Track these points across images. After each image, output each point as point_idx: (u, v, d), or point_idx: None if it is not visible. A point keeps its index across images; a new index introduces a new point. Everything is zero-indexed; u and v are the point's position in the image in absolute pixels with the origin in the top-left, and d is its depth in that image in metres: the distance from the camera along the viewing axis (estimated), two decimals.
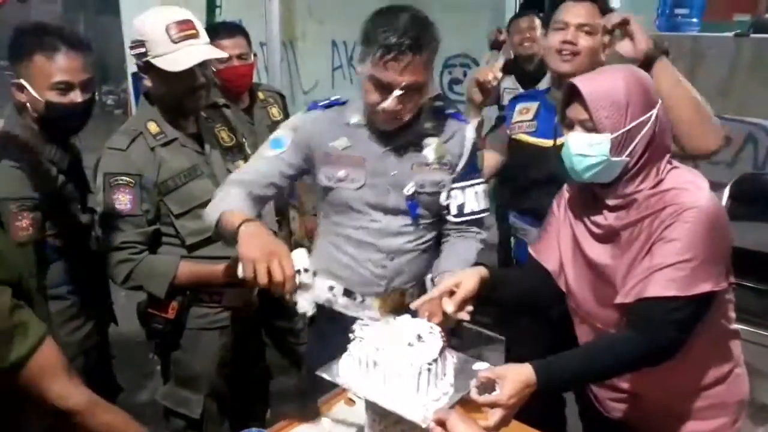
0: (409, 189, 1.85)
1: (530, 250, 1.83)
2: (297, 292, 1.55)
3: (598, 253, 1.60)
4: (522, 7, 4.31)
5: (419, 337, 1.42)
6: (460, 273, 1.63)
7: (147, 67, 1.99)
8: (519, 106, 2.34)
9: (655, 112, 1.49)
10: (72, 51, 1.90)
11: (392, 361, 1.35)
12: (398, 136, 1.84)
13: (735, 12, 4.11)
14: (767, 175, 3.50)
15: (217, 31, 2.69)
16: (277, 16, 4.60)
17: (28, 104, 1.91)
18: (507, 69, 3.91)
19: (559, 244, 1.72)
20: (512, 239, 2.48)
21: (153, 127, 2.05)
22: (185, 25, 1.96)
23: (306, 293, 1.54)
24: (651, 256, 1.48)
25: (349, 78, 5.40)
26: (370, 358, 1.38)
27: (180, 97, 2.02)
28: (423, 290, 1.98)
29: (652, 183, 1.51)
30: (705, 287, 1.44)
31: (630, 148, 1.48)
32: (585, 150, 1.50)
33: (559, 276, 1.73)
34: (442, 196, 1.91)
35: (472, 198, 1.94)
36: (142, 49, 1.97)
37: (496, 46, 4.12)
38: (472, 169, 1.95)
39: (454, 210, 1.94)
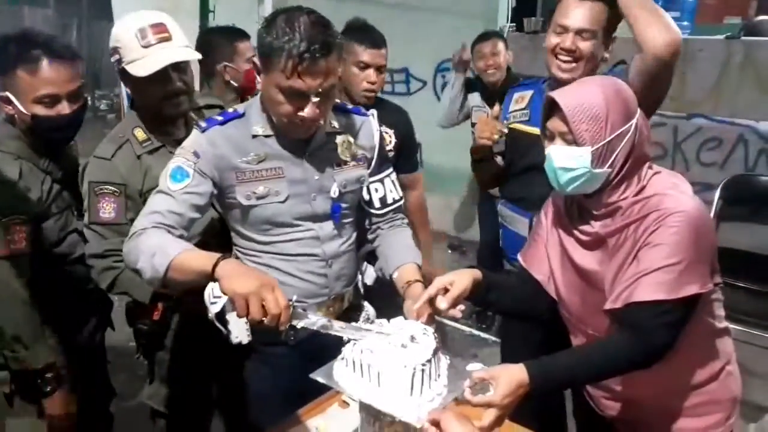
0: (335, 191, 1.81)
1: (519, 259, 1.85)
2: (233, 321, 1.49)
3: (586, 260, 1.63)
4: (514, 12, 4.32)
5: (412, 338, 1.42)
6: (453, 272, 1.64)
7: (123, 75, 1.94)
8: (515, 95, 2.35)
9: (634, 122, 1.51)
10: (57, 61, 1.86)
11: (386, 362, 1.35)
12: (310, 140, 1.78)
13: (726, 15, 4.13)
14: (758, 176, 3.51)
15: (236, 33, 2.79)
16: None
17: (16, 116, 1.89)
18: (470, 86, 3.92)
19: (547, 253, 1.75)
20: (500, 229, 2.48)
21: (140, 134, 2.00)
22: (157, 28, 1.90)
23: (298, 320, 1.46)
24: (637, 261, 1.50)
25: None
26: (364, 361, 1.38)
27: (157, 104, 1.95)
28: (357, 294, 2.01)
29: (634, 190, 1.54)
30: (692, 289, 1.46)
31: (611, 160, 1.50)
32: (567, 163, 1.52)
33: (548, 284, 1.75)
34: (363, 192, 1.92)
35: (391, 188, 1.96)
36: (117, 56, 1.93)
37: (461, 64, 3.91)
38: (384, 160, 1.96)
39: (377, 203, 1.94)
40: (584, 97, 1.50)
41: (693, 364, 1.62)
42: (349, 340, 1.44)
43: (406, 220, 2.02)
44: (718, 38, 3.48)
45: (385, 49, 2.60)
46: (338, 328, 1.45)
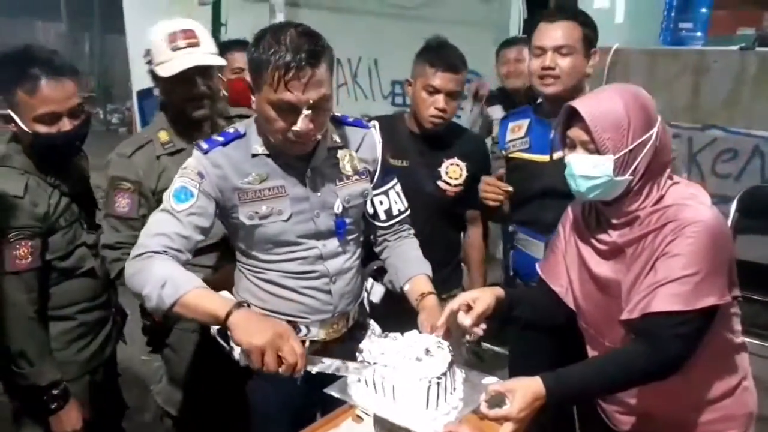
0: (338, 207, 1.78)
1: (538, 270, 1.85)
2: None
3: (604, 269, 1.61)
4: (525, 23, 4.32)
5: (427, 352, 1.41)
6: (476, 290, 1.65)
7: (153, 76, 2.04)
8: (510, 125, 2.36)
9: (655, 129, 1.50)
10: (55, 80, 1.86)
11: (401, 376, 1.34)
12: (311, 156, 1.75)
13: (739, 26, 4.12)
14: None
15: (231, 45, 2.79)
16: None
17: (19, 134, 1.91)
18: (490, 100, 3.83)
19: (566, 263, 1.74)
20: (510, 251, 2.45)
21: (163, 136, 2.07)
22: (186, 33, 1.99)
23: (312, 366, 1.45)
24: (655, 272, 1.48)
25: (354, 95, 5.41)
26: (378, 374, 1.37)
27: (181, 105, 2.03)
28: (363, 311, 1.98)
29: (653, 200, 1.53)
30: (709, 301, 1.44)
31: (633, 167, 1.50)
32: (588, 171, 1.51)
33: (566, 296, 1.74)
34: (367, 206, 1.89)
35: (396, 199, 1.93)
36: (149, 58, 2.02)
37: (477, 97, 3.95)
38: (386, 172, 1.92)
39: (383, 215, 1.91)
40: (605, 105, 1.49)
41: (708, 379, 1.60)
42: (363, 363, 1.42)
43: (412, 231, 1.99)
44: (732, 49, 3.46)
45: (462, 73, 2.38)
46: (353, 369, 1.43)
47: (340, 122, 1.86)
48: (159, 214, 1.67)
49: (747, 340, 1.68)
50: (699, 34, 3.61)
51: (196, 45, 2.00)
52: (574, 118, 1.53)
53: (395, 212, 1.92)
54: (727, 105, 3.41)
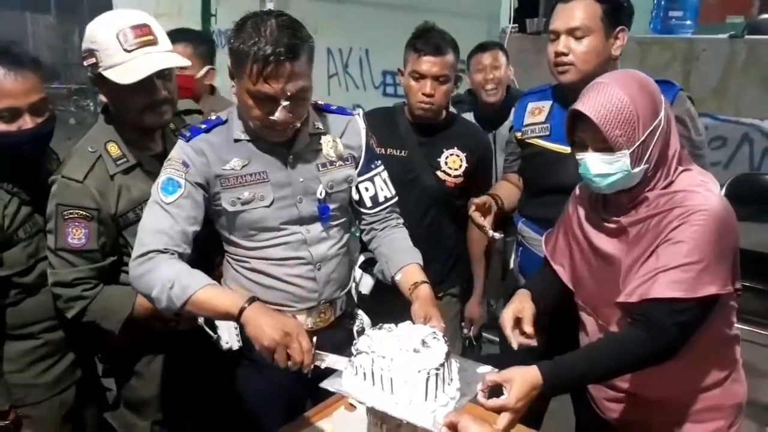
0: (321, 192, 1.79)
1: (544, 250, 1.84)
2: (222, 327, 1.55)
3: (607, 247, 1.61)
4: (517, 13, 4.29)
5: (424, 343, 1.42)
6: (515, 300, 1.71)
7: (100, 81, 1.77)
8: (530, 106, 2.19)
9: (662, 114, 1.50)
10: (15, 71, 1.68)
11: (399, 368, 1.35)
12: (293, 142, 1.77)
13: (728, 14, 4.12)
14: (764, 175, 3.49)
15: (172, 36, 2.52)
16: None
17: None
18: (458, 105, 3.29)
19: (568, 240, 1.74)
20: (516, 247, 2.35)
21: (113, 149, 1.84)
22: (141, 30, 1.73)
23: (321, 362, 1.48)
24: (657, 256, 1.48)
25: (345, 85, 5.41)
26: (376, 366, 1.37)
27: (139, 115, 1.80)
28: (350, 301, 1.98)
29: (663, 184, 1.52)
30: (710, 290, 1.44)
31: (647, 155, 1.49)
32: (604, 169, 1.51)
33: (563, 274, 1.76)
34: (352, 192, 1.89)
35: (382, 186, 1.92)
36: (93, 60, 1.74)
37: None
38: (372, 158, 1.92)
39: (368, 202, 1.91)
40: (611, 101, 1.47)
41: (699, 369, 1.61)
42: (358, 352, 1.43)
43: (401, 220, 1.99)
44: (721, 37, 3.46)
45: (448, 56, 2.32)
46: (358, 365, 1.43)
47: (322, 110, 1.87)
48: (151, 209, 1.68)
49: (737, 326, 1.68)
50: (689, 22, 3.61)
51: (153, 43, 1.75)
52: (580, 118, 1.51)
53: (381, 199, 1.91)
54: (717, 93, 3.42)
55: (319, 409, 1.79)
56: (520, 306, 1.70)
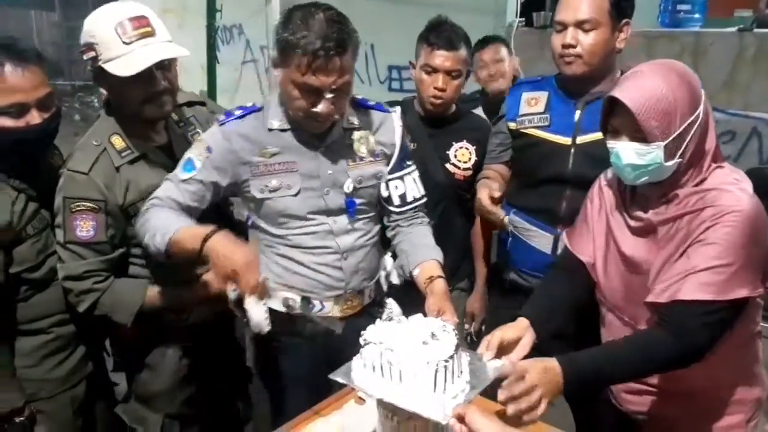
0: (348, 186, 1.83)
1: (565, 241, 1.80)
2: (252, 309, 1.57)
3: (633, 246, 1.58)
4: (523, 7, 4.28)
5: (433, 335, 1.40)
6: (510, 331, 1.58)
7: (100, 74, 1.77)
8: (525, 96, 2.15)
9: (701, 108, 1.46)
10: (21, 67, 1.67)
11: (408, 360, 1.33)
12: (326, 135, 1.80)
13: (736, 8, 4.10)
14: None
15: None
16: (278, 20, 4.59)
17: None
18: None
19: (593, 233, 1.70)
20: (501, 239, 2.31)
21: (117, 141, 1.84)
22: (138, 22, 1.73)
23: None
24: (687, 257, 1.46)
25: None
26: (384, 359, 1.36)
27: (139, 106, 1.80)
28: (379, 290, 2.00)
29: (695, 181, 1.49)
30: (742, 293, 1.42)
31: (681, 149, 1.46)
32: (636, 160, 1.47)
33: (593, 267, 1.71)
34: (381, 188, 1.91)
35: (412, 185, 1.94)
36: (92, 53, 1.75)
37: None
38: (405, 157, 1.95)
39: (396, 200, 1.93)
40: (649, 91, 1.43)
41: (723, 365, 1.58)
42: (366, 343, 1.41)
43: (427, 219, 2.00)
44: (730, 31, 3.45)
45: (461, 51, 2.32)
46: (367, 356, 1.41)
47: (359, 105, 1.91)
48: (165, 182, 1.80)
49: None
50: (697, 15, 3.60)
51: (151, 35, 1.75)
52: (617, 104, 1.48)
53: (410, 198, 1.93)
54: (726, 87, 3.40)
55: (329, 401, 1.78)
56: (515, 335, 1.58)
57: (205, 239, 1.55)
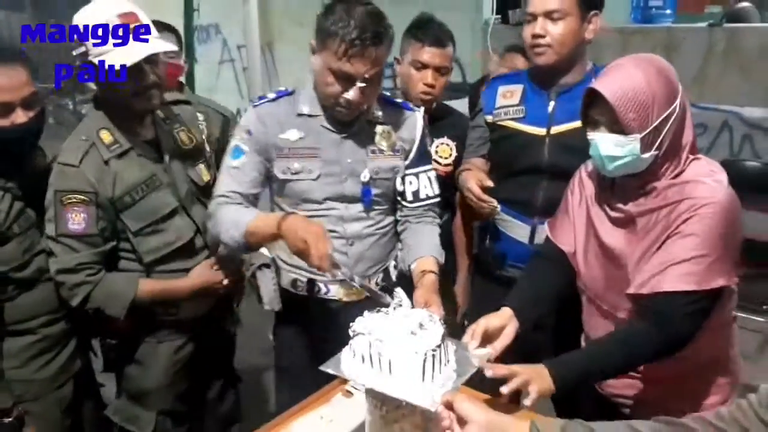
0: (365, 176, 1.90)
1: (547, 231, 1.84)
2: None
3: (613, 236, 1.63)
4: (499, 4, 4.31)
5: (421, 326, 1.44)
6: (496, 320, 1.62)
7: (89, 69, 1.80)
8: (501, 89, 2.19)
9: (678, 101, 1.50)
10: (5, 66, 1.69)
11: (396, 350, 1.37)
12: (351, 124, 1.89)
13: (707, 4, 4.18)
14: (743, 161, 3.56)
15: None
16: (255, 20, 4.59)
17: None
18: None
19: (574, 224, 1.74)
20: (482, 231, 2.35)
21: (106, 136, 1.87)
22: (129, 17, 1.77)
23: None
24: (666, 249, 1.50)
25: None
26: (374, 349, 1.39)
27: (129, 99, 1.83)
28: (387, 278, 2.04)
29: (673, 173, 1.53)
30: (720, 282, 1.47)
31: (658, 142, 1.50)
32: (614, 151, 1.51)
33: (574, 257, 1.75)
34: (397, 182, 1.97)
35: (426, 183, 2.00)
36: (83, 49, 1.78)
37: None
38: (423, 155, 2.01)
39: (409, 196, 1.99)
40: (627, 83, 1.47)
41: (701, 349, 1.61)
42: (355, 334, 1.45)
43: (438, 220, 2.05)
44: (700, 26, 3.51)
45: (449, 48, 2.40)
46: (356, 347, 1.45)
47: (387, 101, 1.99)
48: (221, 173, 1.91)
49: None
50: (668, 11, 3.65)
51: None
52: (595, 97, 1.52)
53: (422, 195, 1.99)
54: (697, 81, 3.46)
55: (317, 396, 1.80)
56: (499, 325, 1.61)
57: (281, 221, 1.68)
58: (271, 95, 1.92)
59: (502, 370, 1.45)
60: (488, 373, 1.44)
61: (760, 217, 3.54)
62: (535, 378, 1.44)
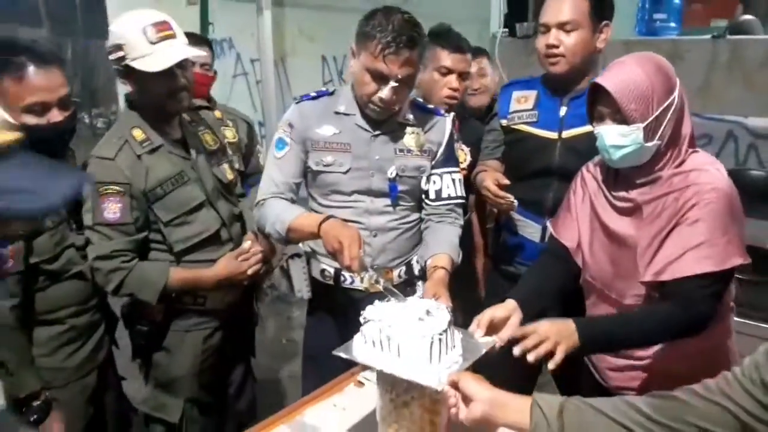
0: (392, 172, 2.01)
1: (549, 228, 1.92)
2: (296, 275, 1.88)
3: (620, 225, 1.70)
4: (506, 18, 4.39)
5: (428, 312, 1.51)
6: (500, 310, 1.65)
7: (126, 71, 1.96)
8: (516, 94, 2.29)
9: (676, 93, 1.59)
10: (44, 67, 1.79)
11: (405, 334, 1.44)
12: (383, 124, 2.00)
13: (712, 18, 4.23)
14: (749, 170, 3.60)
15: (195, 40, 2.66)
16: (269, 34, 4.70)
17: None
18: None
19: (577, 220, 1.81)
20: (495, 232, 2.44)
21: (138, 134, 2.02)
22: (162, 26, 1.94)
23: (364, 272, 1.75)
24: (679, 236, 1.57)
25: None
26: (383, 334, 1.46)
27: (162, 100, 1.99)
28: (410, 271, 2.12)
29: (675, 162, 1.61)
30: (736, 261, 1.54)
31: (660, 131, 1.58)
32: (618, 141, 1.60)
33: (576, 253, 1.82)
34: (422, 181, 2.06)
35: (449, 184, 2.08)
36: (120, 53, 1.93)
37: None
38: (450, 158, 2.10)
39: (432, 194, 2.08)
40: (628, 76, 1.57)
41: (703, 337, 1.64)
42: (366, 321, 1.53)
43: (460, 221, 2.11)
44: (704, 38, 3.57)
45: (469, 54, 2.56)
46: (367, 333, 1.52)
47: (419, 106, 2.10)
48: (267, 164, 2.09)
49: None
50: (673, 24, 3.71)
51: (173, 37, 1.96)
52: (599, 92, 1.61)
53: (444, 195, 2.08)
54: (701, 92, 3.51)
55: (329, 386, 1.87)
56: (504, 316, 1.64)
57: (321, 223, 1.81)
58: (313, 94, 2.08)
59: (528, 330, 1.52)
60: (516, 350, 1.51)
61: (766, 225, 3.57)
62: (562, 337, 1.50)
